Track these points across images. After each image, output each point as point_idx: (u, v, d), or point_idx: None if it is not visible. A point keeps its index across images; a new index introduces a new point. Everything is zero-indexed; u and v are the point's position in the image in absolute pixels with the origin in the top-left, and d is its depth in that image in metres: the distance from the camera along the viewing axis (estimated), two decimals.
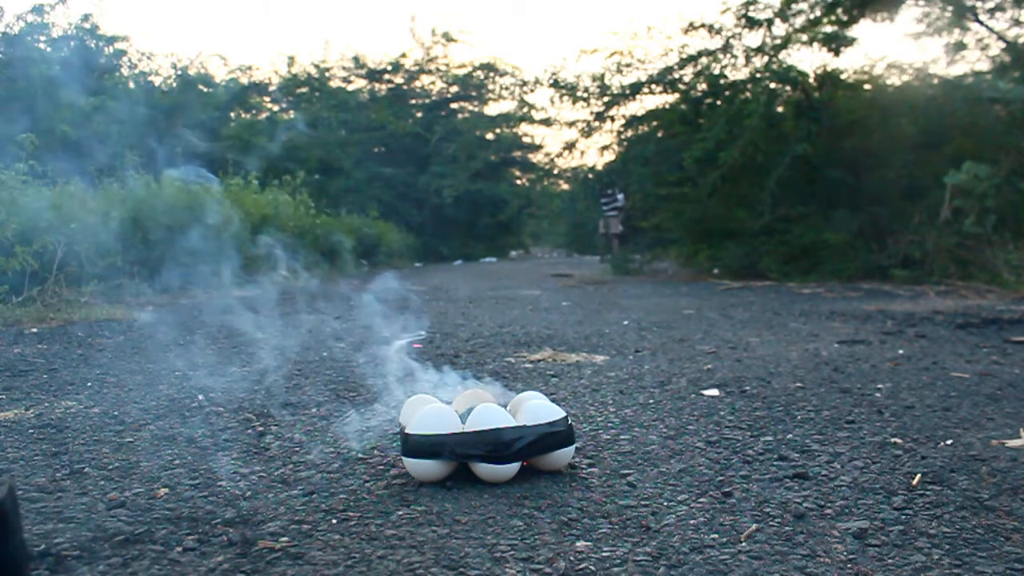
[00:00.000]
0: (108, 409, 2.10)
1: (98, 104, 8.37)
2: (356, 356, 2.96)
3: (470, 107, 21.14)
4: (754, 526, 1.21)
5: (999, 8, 7.88)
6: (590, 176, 10.87)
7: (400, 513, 1.29)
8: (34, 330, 3.93)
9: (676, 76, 8.98)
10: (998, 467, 1.50)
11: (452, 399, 1.65)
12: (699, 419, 1.93)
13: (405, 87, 20.77)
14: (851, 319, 4.17)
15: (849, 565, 1.07)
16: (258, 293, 6.07)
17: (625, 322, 4.19)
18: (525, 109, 17.24)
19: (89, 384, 2.48)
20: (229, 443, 1.74)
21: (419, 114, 20.51)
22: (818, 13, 8.12)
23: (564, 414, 1.49)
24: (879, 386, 2.32)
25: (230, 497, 1.37)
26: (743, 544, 1.14)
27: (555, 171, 12.45)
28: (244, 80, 15.64)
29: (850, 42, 8.02)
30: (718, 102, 8.63)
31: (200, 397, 2.25)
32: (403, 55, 20.48)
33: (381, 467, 1.55)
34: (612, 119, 9.55)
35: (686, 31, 8.84)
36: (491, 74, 20.35)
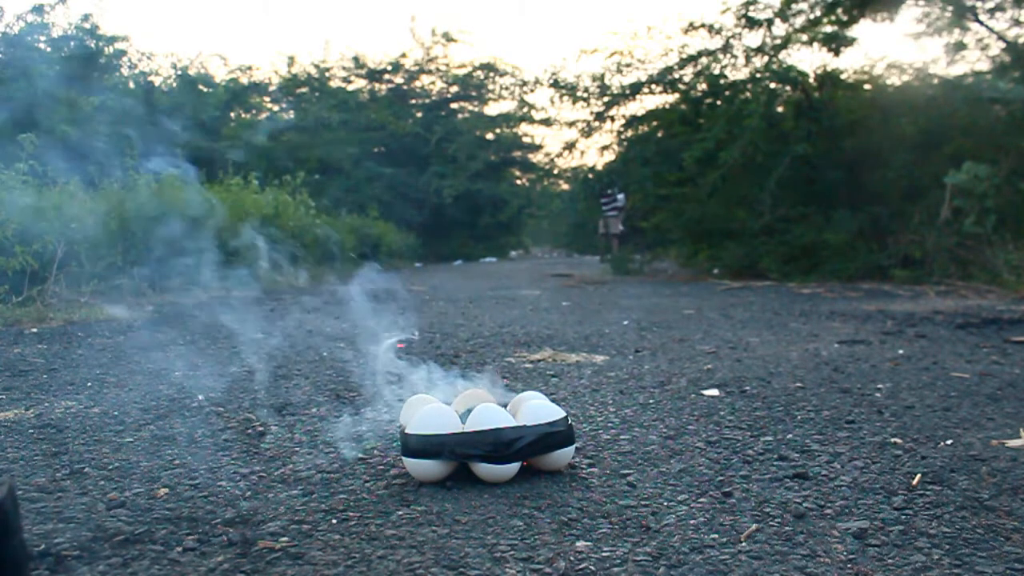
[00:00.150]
0: (108, 409, 2.10)
1: (97, 103, 8.38)
2: (356, 356, 2.96)
3: (470, 107, 21.15)
4: (754, 526, 1.21)
5: (999, 8, 7.88)
6: (590, 176, 10.87)
7: (400, 513, 1.29)
8: (34, 330, 3.93)
9: (676, 76, 8.98)
10: (998, 467, 1.50)
11: (452, 399, 1.65)
12: (699, 419, 1.93)
13: (405, 87, 20.77)
14: (851, 319, 4.17)
15: (849, 565, 1.07)
16: (258, 293, 6.08)
17: (625, 322, 4.19)
18: (525, 109, 17.26)
19: (89, 384, 2.48)
20: (229, 443, 1.74)
21: (419, 114, 20.52)
22: (818, 13, 8.12)
23: (564, 414, 1.49)
24: (879, 386, 2.32)
25: (230, 497, 1.37)
26: (743, 544, 1.14)
27: (555, 171, 12.47)
28: (244, 80, 15.63)
29: (850, 42, 8.03)
30: (718, 102, 8.64)
31: (200, 397, 2.25)
32: (403, 55, 20.50)
33: (381, 467, 1.55)
34: (612, 119, 9.55)
35: (686, 31, 8.84)
36: (491, 74, 20.35)
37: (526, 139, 20.92)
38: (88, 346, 3.38)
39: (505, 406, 1.56)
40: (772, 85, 8.12)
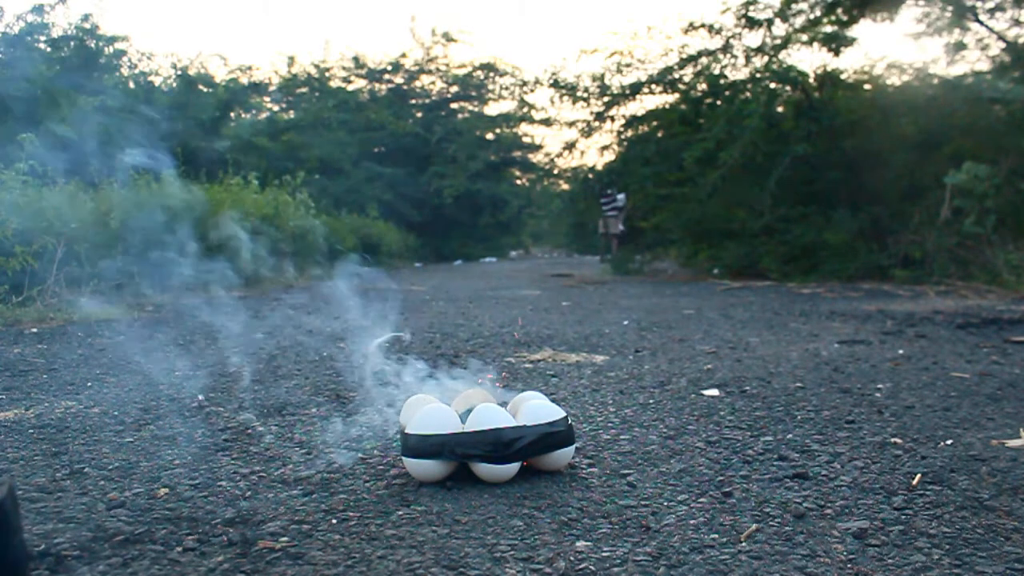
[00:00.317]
0: (108, 409, 2.10)
1: (96, 103, 8.37)
2: (356, 356, 2.96)
3: (470, 107, 21.16)
4: (754, 526, 1.21)
5: (999, 8, 7.89)
6: (590, 176, 10.87)
7: (400, 513, 1.29)
8: (34, 330, 3.93)
9: (676, 76, 8.98)
10: (998, 467, 1.50)
11: (452, 399, 1.65)
12: (699, 419, 1.93)
13: (405, 87, 20.78)
14: (851, 319, 4.17)
15: (849, 565, 1.07)
16: (258, 293, 6.08)
17: (625, 322, 4.19)
18: (525, 109, 17.26)
19: (89, 384, 2.48)
20: (229, 443, 1.74)
21: (419, 114, 20.53)
22: (818, 13, 8.12)
23: (564, 414, 1.49)
24: (879, 386, 2.32)
25: (230, 497, 1.37)
26: (743, 544, 1.14)
27: (555, 171, 12.45)
28: (244, 80, 15.63)
29: (850, 42, 8.03)
30: (718, 102, 8.64)
31: (200, 397, 2.25)
32: (403, 55, 20.51)
33: (381, 467, 1.55)
34: (612, 119, 9.55)
35: (686, 31, 8.84)
36: (491, 74, 20.37)
37: (526, 139, 20.94)
38: (88, 346, 3.38)
39: (505, 406, 1.56)
40: (772, 85, 8.12)
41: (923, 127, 7.48)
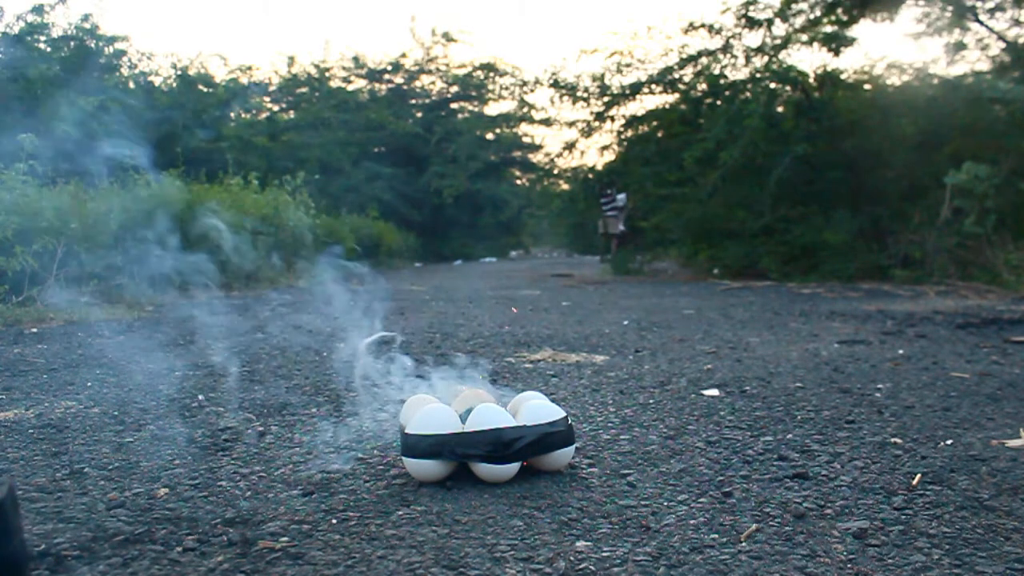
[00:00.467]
0: (108, 409, 2.10)
1: (97, 103, 8.37)
2: (356, 356, 2.96)
3: (470, 107, 21.17)
4: (754, 526, 1.21)
5: (999, 8, 7.89)
6: (590, 176, 10.88)
7: (400, 513, 1.29)
8: (34, 330, 3.93)
9: (676, 76, 8.98)
10: (998, 467, 1.50)
11: (451, 399, 1.65)
12: (699, 419, 1.93)
13: (405, 87, 20.79)
14: (851, 319, 4.17)
15: (849, 565, 1.07)
16: (259, 293, 6.08)
17: (625, 322, 4.19)
18: (525, 109, 17.27)
19: (89, 384, 2.48)
20: (229, 443, 1.74)
21: (419, 114, 20.54)
22: (818, 13, 8.13)
23: (564, 414, 1.49)
24: (879, 386, 2.32)
25: (230, 497, 1.37)
26: (743, 544, 1.14)
27: (555, 171, 12.45)
28: (244, 80, 15.64)
29: (850, 42, 8.03)
30: (718, 102, 8.64)
31: (200, 397, 2.25)
32: (403, 55, 20.52)
33: (381, 467, 1.55)
34: (612, 119, 9.56)
35: (686, 31, 8.84)
36: (491, 74, 20.37)
37: (526, 139, 20.95)
38: (88, 346, 3.38)
39: (505, 406, 1.56)
40: (772, 85, 8.13)
41: (923, 127, 7.49)
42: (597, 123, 9.62)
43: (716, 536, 1.17)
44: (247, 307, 5.17)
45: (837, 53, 8.07)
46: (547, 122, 15.81)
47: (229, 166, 9.05)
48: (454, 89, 20.89)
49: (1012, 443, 1.66)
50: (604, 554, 1.11)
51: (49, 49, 11.00)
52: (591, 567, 1.07)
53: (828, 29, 8.02)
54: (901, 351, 3.03)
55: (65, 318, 4.36)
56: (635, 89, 9.17)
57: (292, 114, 18.69)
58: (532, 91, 10.93)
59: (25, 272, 4.63)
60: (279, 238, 7.31)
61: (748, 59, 8.50)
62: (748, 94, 8.20)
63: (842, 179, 8.05)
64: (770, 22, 8.31)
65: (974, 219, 6.20)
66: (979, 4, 7.98)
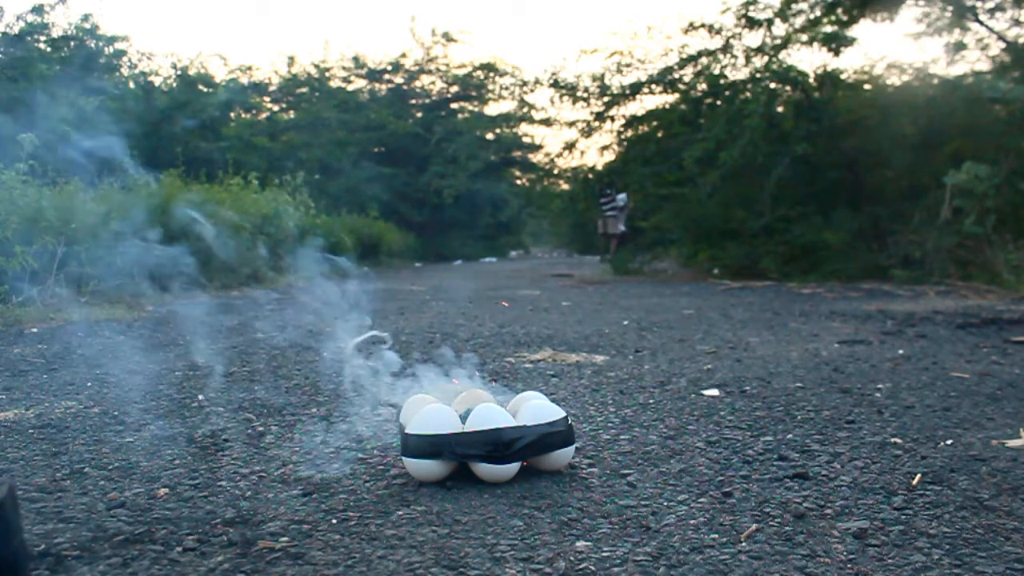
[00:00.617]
0: (108, 409, 2.10)
1: (97, 103, 8.36)
2: (356, 356, 2.96)
3: (470, 107, 21.16)
4: (754, 526, 1.21)
5: (999, 8, 7.89)
6: (590, 176, 10.88)
7: (400, 513, 1.29)
8: (34, 330, 3.93)
9: (676, 76, 8.98)
10: (998, 467, 1.50)
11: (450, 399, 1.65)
12: (699, 419, 1.93)
13: (405, 87, 20.77)
14: (851, 319, 4.17)
15: (849, 565, 1.07)
16: (259, 294, 6.07)
17: (625, 322, 4.19)
18: (525, 109, 17.26)
19: (89, 384, 2.48)
20: (229, 443, 1.74)
21: (419, 114, 20.52)
22: (818, 13, 8.12)
23: (564, 414, 1.49)
24: (879, 386, 2.32)
25: (230, 497, 1.37)
26: (743, 544, 1.14)
27: (555, 171, 12.45)
28: (244, 80, 15.64)
29: (850, 42, 8.03)
30: (718, 102, 8.64)
31: (200, 397, 2.25)
32: (403, 55, 20.50)
33: (381, 467, 1.55)
34: (612, 119, 9.56)
35: (686, 31, 8.84)
36: (491, 74, 20.35)
37: (526, 139, 20.94)
38: (88, 346, 3.38)
39: (505, 406, 1.56)
40: (772, 85, 8.13)
41: (923, 127, 7.48)
42: (597, 123, 9.62)
43: (716, 536, 1.17)
44: (247, 307, 5.17)
45: (837, 53, 8.07)
46: (547, 122, 15.79)
47: (229, 166, 9.05)
48: (454, 89, 20.89)
49: (1012, 443, 1.66)
50: (604, 554, 1.11)
51: (49, 49, 11.00)
52: (591, 567, 1.07)
53: (828, 29, 8.02)
54: (901, 351, 3.03)
55: (65, 318, 4.36)
56: (635, 89, 9.17)
57: (292, 114, 18.69)
58: (532, 91, 10.94)
59: (25, 272, 4.62)
60: (277, 237, 7.29)
61: (748, 59, 8.50)
62: (748, 94, 8.20)
63: (842, 179, 8.05)
64: (770, 22, 8.31)
65: (974, 219, 6.20)
66: (979, 4, 7.98)
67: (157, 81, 13.57)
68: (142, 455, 1.65)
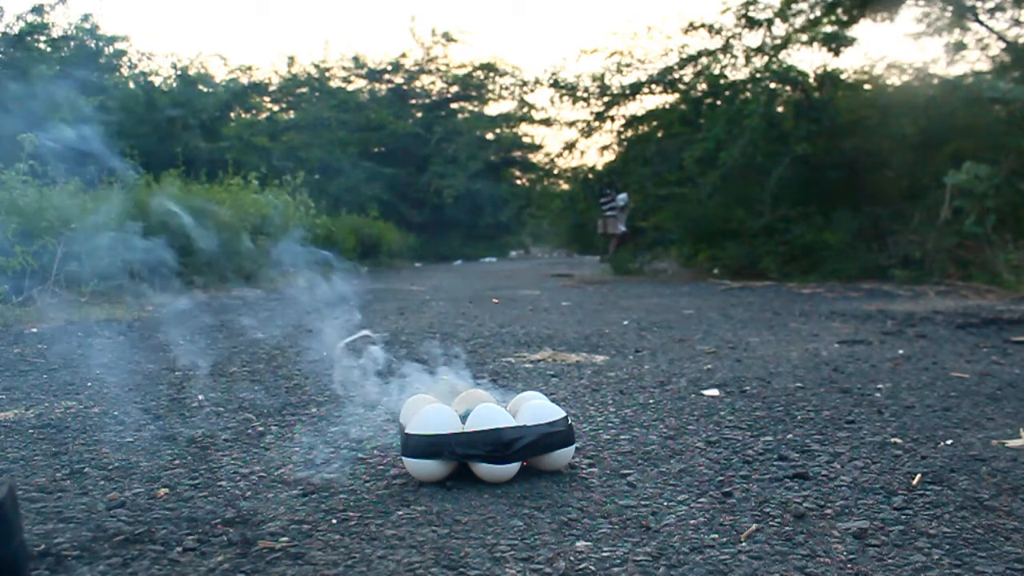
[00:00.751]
0: (108, 409, 2.10)
1: (97, 103, 8.36)
2: (356, 356, 2.96)
3: (470, 107, 21.16)
4: (754, 526, 1.21)
5: (999, 8, 7.90)
6: (590, 176, 10.88)
7: (400, 513, 1.29)
8: (34, 330, 3.93)
9: (676, 76, 8.99)
10: (998, 467, 1.50)
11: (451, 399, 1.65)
12: (699, 419, 1.93)
13: (405, 87, 20.78)
14: (851, 319, 4.17)
15: (849, 565, 1.07)
16: (259, 294, 6.07)
17: (625, 322, 4.19)
18: (525, 109, 17.25)
19: (89, 384, 2.48)
20: (229, 443, 1.74)
21: (419, 114, 20.53)
22: (818, 13, 8.13)
23: (564, 414, 1.49)
24: (879, 386, 2.32)
25: (230, 497, 1.37)
26: (743, 544, 1.14)
27: (555, 171, 12.46)
28: (244, 80, 15.64)
29: (850, 42, 8.03)
30: (718, 102, 8.64)
31: (200, 397, 2.25)
32: (403, 55, 20.52)
33: (381, 467, 1.55)
34: (612, 119, 9.56)
35: (686, 31, 8.85)
36: (491, 74, 20.36)
37: (526, 139, 20.93)
38: (88, 346, 3.38)
39: (505, 406, 1.56)
40: (772, 85, 8.13)
41: (923, 127, 7.48)
42: (597, 123, 9.62)
43: (716, 536, 1.17)
44: (247, 307, 5.17)
45: (837, 53, 8.07)
46: (547, 122, 15.78)
47: (229, 166, 9.05)
48: (454, 89, 20.89)
49: (1012, 443, 1.66)
50: (604, 554, 1.11)
51: (49, 49, 11.00)
52: (591, 567, 1.07)
53: (828, 29, 8.02)
54: (901, 351, 3.03)
55: (65, 318, 4.36)
56: (635, 89, 9.18)
57: (292, 114, 18.69)
58: (532, 91, 10.94)
59: (25, 272, 4.62)
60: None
61: (748, 59, 8.51)
62: (748, 94, 8.21)
63: (842, 179, 8.05)
64: (770, 22, 8.31)
65: (974, 219, 6.20)
66: (979, 4, 7.98)
67: (157, 81, 13.57)
68: (142, 455, 1.65)
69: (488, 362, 2.88)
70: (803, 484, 1.41)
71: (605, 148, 10.36)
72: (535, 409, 1.48)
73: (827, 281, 7.03)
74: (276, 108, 19.09)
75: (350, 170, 16.76)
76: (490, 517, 1.26)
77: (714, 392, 2.26)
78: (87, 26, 12.24)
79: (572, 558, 1.10)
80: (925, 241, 6.77)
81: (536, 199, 14.45)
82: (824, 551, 1.11)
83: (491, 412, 1.46)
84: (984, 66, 8.24)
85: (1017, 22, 7.93)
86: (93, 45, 12.52)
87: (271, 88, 19.00)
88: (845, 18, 8.07)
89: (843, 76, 8.27)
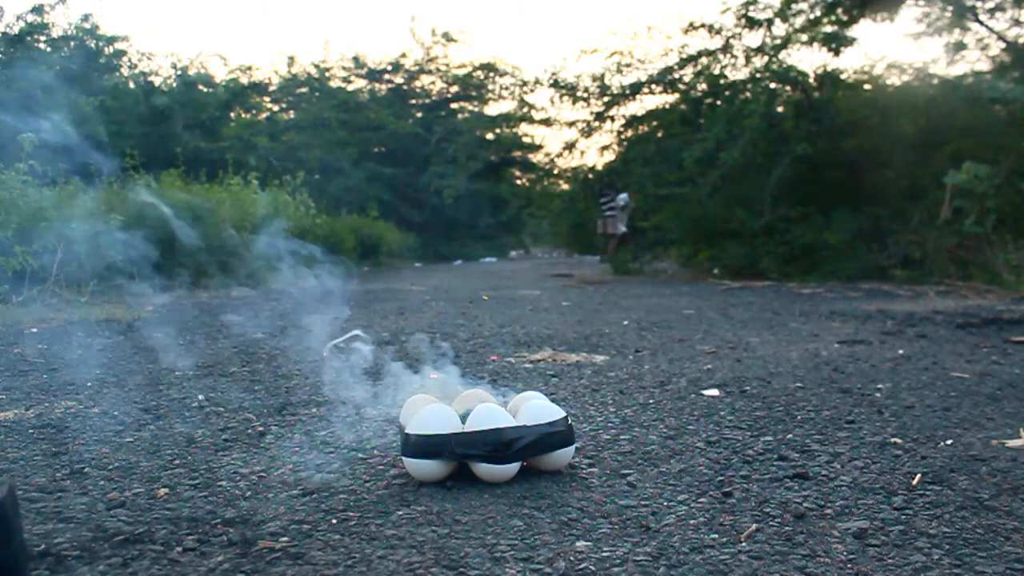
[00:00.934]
0: (108, 409, 2.10)
1: (97, 103, 8.36)
2: (356, 356, 2.96)
3: (470, 107, 21.17)
4: (754, 526, 1.21)
5: (999, 8, 7.90)
6: (590, 176, 10.88)
7: (400, 513, 1.29)
8: (34, 330, 3.93)
9: (676, 76, 8.99)
10: (998, 467, 1.50)
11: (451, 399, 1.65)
12: (699, 419, 1.93)
13: (405, 87, 20.79)
14: (851, 319, 4.17)
15: (849, 565, 1.07)
16: (259, 293, 6.07)
17: (625, 322, 4.19)
18: (525, 109, 17.24)
19: (89, 384, 2.48)
20: (229, 443, 1.74)
21: (419, 114, 20.53)
22: (818, 13, 8.13)
23: (564, 414, 1.49)
24: (879, 386, 2.32)
25: (230, 497, 1.37)
26: (743, 544, 1.14)
27: (555, 171, 12.46)
28: (244, 80, 15.63)
29: (850, 42, 8.03)
30: (718, 102, 8.64)
31: (200, 397, 2.25)
32: (403, 55, 20.52)
33: (381, 467, 1.55)
34: (612, 119, 9.56)
35: (686, 31, 8.85)
36: (491, 74, 20.37)
37: (526, 139, 20.93)
38: (88, 346, 3.38)
39: (505, 406, 1.56)
40: (772, 85, 8.13)
41: (923, 127, 7.49)
42: (597, 123, 9.62)
43: (716, 536, 1.17)
44: (249, 307, 5.17)
45: (837, 53, 8.07)
46: (547, 122, 15.78)
47: (229, 166, 9.05)
48: (454, 89, 20.89)
49: (1012, 443, 1.66)
50: (604, 554, 1.11)
51: (49, 49, 11.00)
52: (591, 567, 1.07)
53: (828, 29, 8.02)
54: (901, 351, 3.03)
55: (65, 318, 4.36)
56: (635, 89, 9.18)
57: (292, 114, 18.69)
58: (532, 91, 10.95)
59: (25, 272, 4.62)
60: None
61: (748, 59, 8.51)
62: (748, 94, 8.21)
63: (842, 179, 8.05)
64: (770, 22, 8.31)
65: (974, 219, 6.20)
66: (979, 4, 7.98)
67: (157, 81, 13.56)
68: (142, 455, 1.65)
69: (488, 362, 2.88)
70: (803, 484, 1.41)
71: (605, 148, 10.37)
72: (535, 409, 1.48)
73: (827, 281, 7.03)
74: (276, 108, 19.10)
75: (350, 170, 16.76)
76: (490, 517, 1.26)
77: (714, 392, 2.26)
78: (87, 26, 12.24)
79: (572, 558, 1.10)
80: (925, 241, 6.77)
81: (536, 199, 14.48)
82: (824, 551, 1.11)
83: (491, 412, 1.46)
84: (984, 66, 8.25)
85: (1017, 22, 7.93)
86: (93, 45, 12.52)
87: (271, 88, 19.01)
88: (845, 18, 8.07)
89: (843, 76, 8.27)
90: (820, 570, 1.05)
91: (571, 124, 9.96)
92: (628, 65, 9.29)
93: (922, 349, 3.08)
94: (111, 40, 13.06)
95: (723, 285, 7.12)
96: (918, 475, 1.45)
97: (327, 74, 19.80)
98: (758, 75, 8.21)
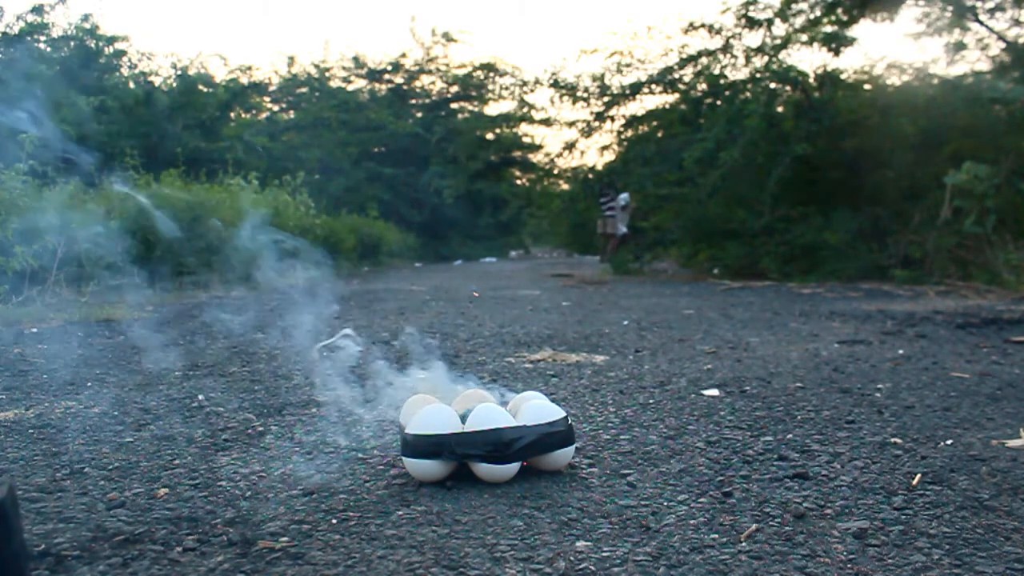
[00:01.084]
0: (108, 409, 2.10)
1: (97, 103, 8.36)
2: (356, 356, 2.96)
3: (470, 107, 21.17)
4: (754, 526, 1.21)
5: (999, 8, 7.90)
6: (590, 176, 10.88)
7: (400, 513, 1.29)
8: (34, 330, 3.93)
9: (676, 76, 8.99)
10: (998, 467, 1.50)
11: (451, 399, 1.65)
12: (699, 419, 1.93)
13: (405, 87, 20.80)
14: (851, 319, 4.17)
15: (849, 565, 1.07)
16: (259, 293, 6.07)
17: (625, 322, 4.19)
18: (525, 109, 17.24)
19: (89, 384, 2.48)
20: (229, 443, 1.74)
21: (419, 114, 20.54)
22: (818, 13, 8.13)
23: (564, 414, 1.49)
24: (879, 386, 2.32)
25: (230, 497, 1.37)
26: (743, 544, 1.14)
27: (555, 171, 12.47)
28: (244, 80, 15.63)
29: (850, 42, 8.03)
30: (718, 102, 8.64)
31: (200, 397, 2.25)
32: (403, 55, 20.54)
33: (381, 467, 1.55)
34: (612, 119, 9.57)
35: (686, 31, 8.85)
36: (491, 74, 20.38)
37: (526, 139, 20.94)
38: (88, 346, 3.38)
39: (505, 406, 1.56)
40: (772, 85, 8.13)
41: (923, 127, 7.49)
42: (597, 123, 9.63)
43: (716, 536, 1.17)
44: (249, 307, 5.17)
45: (837, 53, 8.07)
46: (547, 122, 15.77)
47: (229, 166, 9.05)
48: (454, 89, 20.90)
49: (1012, 443, 1.66)
50: (604, 554, 1.11)
51: (49, 49, 11.00)
52: (591, 567, 1.07)
53: (828, 29, 8.02)
54: (901, 351, 3.03)
55: (65, 318, 4.36)
56: (635, 89, 9.18)
57: (292, 114, 18.70)
58: (532, 91, 10.94)
59: (25, 272, 4.62)
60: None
61: (748, 59, 8.51)
62: (748, 94, 8.21)
63: (842, 179, 8.05)
64: (770, 22, 8.31)
65: (974, 219, 6.20)
66: (979, 4, 7.98)
67: (157, 81, 13.56)
68: (142, 455, 1.65)
69: (488, 362, 2.88)
70: (803, 484, 1.41)
71: (605, 148, 10.37)
72: (535, 409, 1.48)
73: (827, 281, 7.03)
74: (276, 108, 19.11)
75: (350, 170, 16.77)
76: (490, 517, 1.26)
77: (714, 392, 2.26)
78: (87, 26, 12.24)
79: (572, 558, 1.10)
80: (925, 241, 6.77)
81: (536, 199, 14.48)
82: (824, 551, 1.11)
83: (491, 412, 1.46)
84: (984, 66, 8.25)
85: (1017, 22, 7.93)
86: (93, 45, 12.52)
87: (271, 88, 19.02)
88: (845, 18, 8.08)
89: (843, 76, 8.27)
90: (820, 570, 1.05)
91: (571, 124, 9.97)
92: (628, 65, 9.30)
93: (922, 349, 3.08)
94: (111, 40, 13.06)
95: (723, 285, 7.12)
96: (918, 475, 1.45)
97: (327, 74, 19.81)
98: (758, 75, 8.21)
